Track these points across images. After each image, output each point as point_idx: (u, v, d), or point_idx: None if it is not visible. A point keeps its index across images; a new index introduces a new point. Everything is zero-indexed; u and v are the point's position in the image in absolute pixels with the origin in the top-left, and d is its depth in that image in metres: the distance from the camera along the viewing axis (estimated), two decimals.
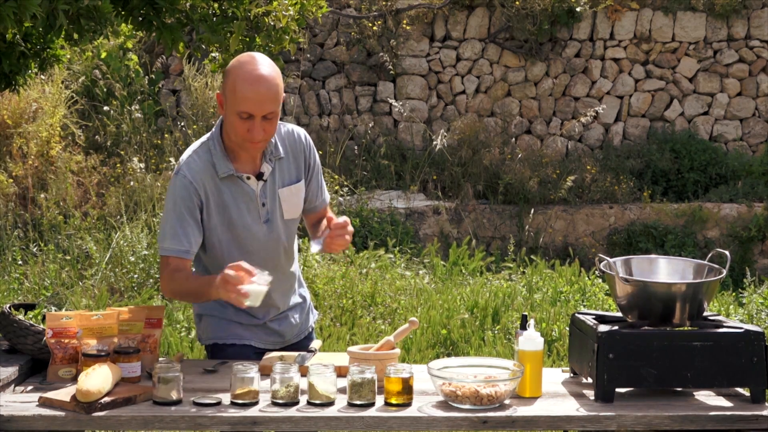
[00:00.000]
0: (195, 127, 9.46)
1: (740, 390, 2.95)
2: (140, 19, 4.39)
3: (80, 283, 7.10)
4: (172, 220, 3.07)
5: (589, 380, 2.93)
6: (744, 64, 10.61)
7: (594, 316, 3.05)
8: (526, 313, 2.96)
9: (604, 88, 10.57)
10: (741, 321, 6.44)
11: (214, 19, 4.67)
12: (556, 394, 2.89)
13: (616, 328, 2.84)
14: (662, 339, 2.80)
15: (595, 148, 10.55)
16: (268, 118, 3.00)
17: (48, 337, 2.89)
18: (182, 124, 9.73)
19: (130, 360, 2.89)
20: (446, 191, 9.86)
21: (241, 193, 3.13)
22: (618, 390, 2.82)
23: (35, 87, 9.28)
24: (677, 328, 2.88)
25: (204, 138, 3.18)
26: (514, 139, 10.43)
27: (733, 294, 7.76)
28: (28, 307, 3.20)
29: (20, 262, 7.47)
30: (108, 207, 8.48)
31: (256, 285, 2.82)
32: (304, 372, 2.87)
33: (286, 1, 4.88)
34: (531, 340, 2.83)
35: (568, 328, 5.62)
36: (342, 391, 2.77)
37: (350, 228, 3.05)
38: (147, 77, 10.13)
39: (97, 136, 9.61)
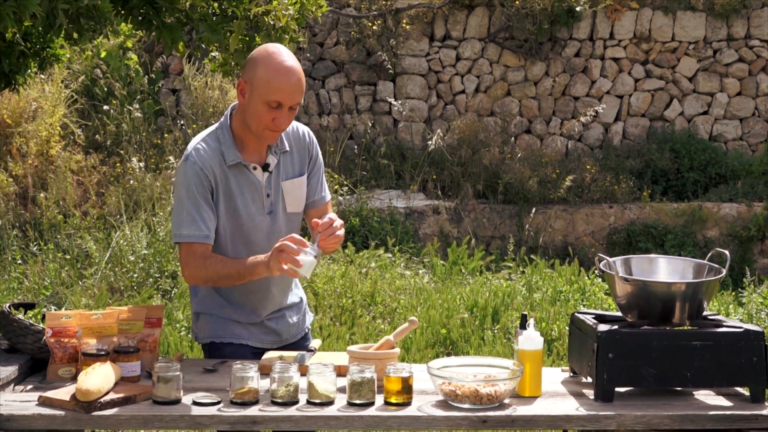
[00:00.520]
0: (195, 126, 9.45)
1: (740, 389, 2.95)
2: (140, 18, 4.39)
3: (80, 283, 7.10)
4: (188, 207, 3.07)
5: (589, 380, 2.93)
6: (744, 63, 10.61)
7: (594, 316, 3.05)
8: (525, 313, 2.96)
9: (603, 87, 10.57)
10: (741, 320, 6.44)
11: (214, 18, 4.67)
12: (556, 393, 2.89)
13: (615, 327, 2.84)
14: (662, 338, 2.80)
15: (594, 148, 10.55)
16: (293, 109, 3.08)
17: (48, 336, 2.89)
18: (182, 123, 9.72)
19: (130, 359, 2.89)
20: (446, 191, 9.86)
21: (247, 182, 3.16)
22: (618, 389, 2.82)
23: (35, 86, 9.27)
24: (677, 328, 2.88)
25: (213, 127, 3.22)
26: (513, 138, 10.43)
27: (733, 293, 7.76)
28: (28, 306, 3.20)
29: (20, 262, 7.47)
30: (108, 206, 8.48)
31: (308, 256, 2.87)
32: (303, 371, 2.87)
33: (286, 1, 4.88)
34: (531, 339, 2.83)
35: (567, 328, 5.62)
36: (342, 390, 2.77)
37: (337, 223, 3.02)
38: (147, 76, 10.13)
39: (96, 136, 9.60)
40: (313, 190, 3.32)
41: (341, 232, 3.03)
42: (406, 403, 2.70)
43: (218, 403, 2.68)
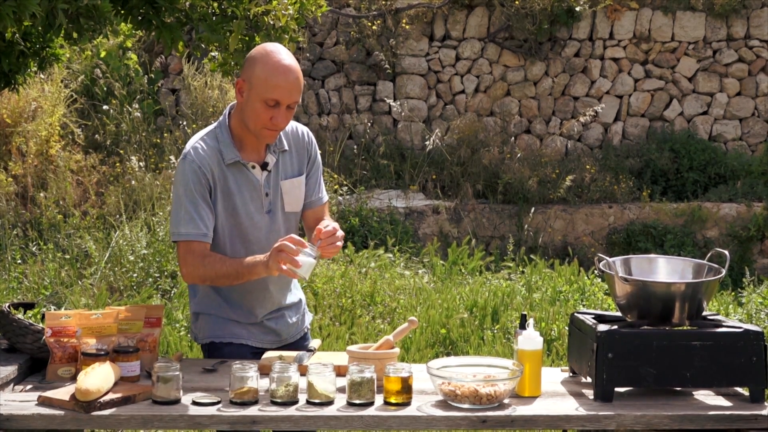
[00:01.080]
0: (194, 126, 9.45)
1: (739, 389, 2.95)
2: (140, 18, 4.39)
3: (79, 283, 7.09)
4: (187, 205, 3.08)
5: (589, 380, 2.93)
6: (743, 63, 10.61)
7: (593, 316, 3.05)
8: (525, 313, 2.96)
9: (603, 87, 10.57)
10: (740, 320, 6.44)
11: (214, 18, 4.67)
12: (556, 393, 2.89)
13: (615, 327, 2.84)
14: (661, 338, 2.80)
15: (594, 148, 10.55)
16: (291, 108, 3.09)
17: (47, 336, 2.89)
18: (182, 123, 9.72)
19: (130, 359, 2.88)
20: (446, 191, 9.86)
21: (246, 181, 3.16)
22: (617, 389, 2.82)
23: (35, 86, 9.27)
24: (676, 328, 2.88)
25: (211, 126, 3.22)
26: (513, 138, 10.43)
27: (733, 293, 7.76)
28: (28, 306, 3.20)
29: (19, 261, 7.47)
30: (107, 206, 8.48)
31: (307, 257, 2.88)
32: (303, 371, 2.88)
33: (286, 1, 4.88)
34: (530, 339, 2.83)
35: (567, 328, 5.62)
36: (341, 390, 2.77)
37: (339, 234, 3.04)
38: (146, 76, 10.13)
39: (96, 135, 9.60)
40: (311, 191, 3.33)
41: (340, 243, 3.04)
42: (406, 403, 2.70)
43: (218, 403, 2.68)
